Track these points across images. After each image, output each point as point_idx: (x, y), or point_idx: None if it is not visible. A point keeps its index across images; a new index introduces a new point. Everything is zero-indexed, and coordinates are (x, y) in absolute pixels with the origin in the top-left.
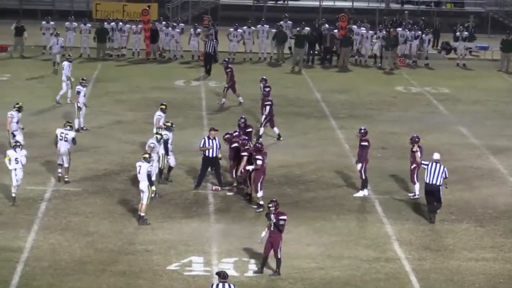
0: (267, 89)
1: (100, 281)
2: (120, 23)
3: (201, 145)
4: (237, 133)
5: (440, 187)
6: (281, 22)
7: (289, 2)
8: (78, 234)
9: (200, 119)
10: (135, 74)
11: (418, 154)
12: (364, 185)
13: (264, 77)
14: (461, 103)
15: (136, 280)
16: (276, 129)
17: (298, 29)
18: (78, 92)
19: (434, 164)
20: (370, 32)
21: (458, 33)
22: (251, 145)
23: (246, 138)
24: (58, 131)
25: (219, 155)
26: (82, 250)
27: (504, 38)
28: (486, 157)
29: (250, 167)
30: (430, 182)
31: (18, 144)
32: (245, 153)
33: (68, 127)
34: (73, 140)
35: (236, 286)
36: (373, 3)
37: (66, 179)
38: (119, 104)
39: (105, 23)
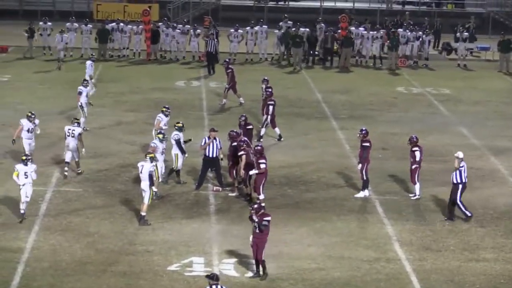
0: (269, 90)
1: (100, 282)
2: (122, 24)
3: (202, 144)
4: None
5: None
6: (281, 23)
7: (290, 3)
8: (79, 235)
9: (201, 120)
10: (136, 74)
11: (418, 154)
12: (365, 186)
13: (265, 78)
14: (462, 103)
15: (137, 280)
16: (277, 130)
17: (294, 29)
18: (80, 93)
19: (464, 163)
20: (371, 32)
21: (458, 34)
22: (251, 145)
23: (244, 140)
24: (66, 128)
25: (220, 156)
26: (83, 251)
27: (500, 39)
28: (487, 157)
29: (253, 172)
30: (465, 181)
31: (28, 158)
32: (242, 152)
33: (76, 124)
34: (79, 135)
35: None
36: (374, 3)
37: (79, 171)
38: (119, 104)
39: (108, 24)
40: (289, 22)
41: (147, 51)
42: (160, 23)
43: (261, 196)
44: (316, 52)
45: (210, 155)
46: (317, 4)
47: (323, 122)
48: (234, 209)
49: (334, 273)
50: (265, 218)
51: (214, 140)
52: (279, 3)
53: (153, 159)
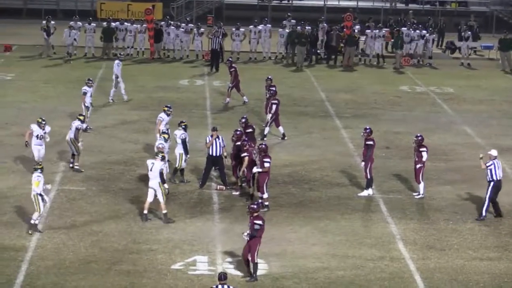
0: (273, 89)
1: (104, 280)
2: (127, 23)
3: (207, 142)
4: (241, 132)
5: None
6: (285, 22)
7: (294, 2)
8: (83, 233)
9: (205, 119)
10: (139, 73)
11: (425, 154)
12: (368, 185)
13: (269, 77)
14: (465, 102)
15: (141, 279)
16: (281, 128)
17: (299, 27)
18: (85, 93)
19: (497, 161)
20: (375, 31)
21: (462, 33)
22: (253, 146)
23: (246, 139)
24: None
25: (224, 154)
26: (87, 249)
27: (502, 37)
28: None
29: (257, 170)
30: (499, 179)
31: (40, 166)
32: (245, 154)
33: (77, 119)
34: (76, 130)
35: None
36: (378, 2)
37: (76, 167)
38: (123, 103)
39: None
40: (292, 21)
41: (151, 50)
42: (162, 22)
43: (265, 195)
44: (318, 51)
45: (214, 154)
46: (321, 3)
47: (327, 121)
48: (238, 208)
49: (338, 272)
50: (256, 221)
51: (217, 139)
52: (283, 1)
53: (164, 157)
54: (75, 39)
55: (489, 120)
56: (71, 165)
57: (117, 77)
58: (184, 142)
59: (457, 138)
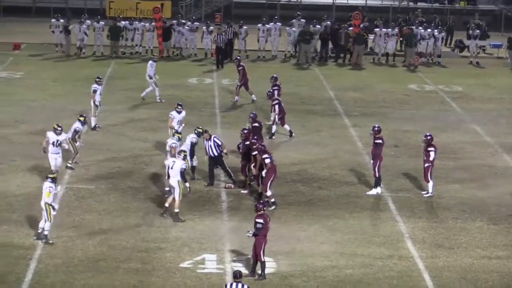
0: (271, 90)
1: (113, 279)
2: (135, 22)
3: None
4: (248, 131)
5: None
6: (294, 20)
7: (303, 0)
8: (91, 232)
9: (213, 117)
10: None
11: (433, 154)
12: (377, 183)
13: (274, 76)
14: (474, 101)
15: (149, 277)
16: (287, 126)
17: (306, 26)
18: (94, 91)
19: None
20: (383, 30)
21: (471, 31)
22: (262, 144)
23: (255, 138)
24: None
25: (224, 150)
26: (95, 248)
27: (511, 35)
28: (500, 155)
29: (264, 171)
30: None
31: (53, 175)
32: (256, 152)
33: (77, 121)
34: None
35: (249, 286)
36: (387, 1)
37: (69, 165)
38: (132, 101)
39: (121, 21)
40: (302, 20)
41: (159, 48)
42: (174, 21)
43: (268, 193)
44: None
45: (212, 154)
46: (330, 1)
47: (336, 119)
48: (246, 206)
49: (347, 271)
50: (258, 220)
51: (209, 141)
52: (292, 0)
53: (186, 156)
54: (85, 33)
55: (498, 118)
56: (69, 163)
57: (150, 77)
58: (192, 145)
59: (465, 137)
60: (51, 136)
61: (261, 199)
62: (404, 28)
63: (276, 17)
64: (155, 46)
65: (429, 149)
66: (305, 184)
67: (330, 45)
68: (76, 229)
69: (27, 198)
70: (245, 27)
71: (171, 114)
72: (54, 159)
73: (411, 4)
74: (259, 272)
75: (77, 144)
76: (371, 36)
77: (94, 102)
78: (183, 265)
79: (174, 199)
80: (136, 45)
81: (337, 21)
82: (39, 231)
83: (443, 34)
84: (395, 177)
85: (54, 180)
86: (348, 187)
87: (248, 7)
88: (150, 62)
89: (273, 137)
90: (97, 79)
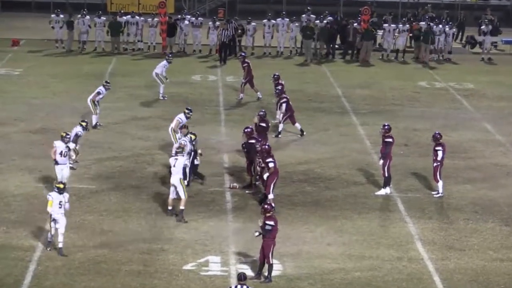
0: (278, 88)
1: (114, 281)
2: (137, 17)
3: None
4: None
5: None
6: (303, 16)
7: None
8: (92, 233)
9: (218, 115)
10: (151, 68)
11: (440, 153)
12: (386, 183)
13: (276, 74)
14: (486, 98)
15: (152, 280)
16: (297, 125)
17: (306, 21)
18: (99, 93)
19: None
20: (393, 25)
21: (483, 27)
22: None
23: (259, 140)
24: None
25: (199, 151)
26: (96, 249)
27: None
28: None
29: (266, 175)
30: None
31: (59, 185)
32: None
33: (79, 125)
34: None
35: None
36: None
37: (70, 164)
38: (134, 99)
39: (123, 16)
40: (312, 15)
41: (163, 44)
42: (179, 16)
43: (271, 196)
44: (337, 46)
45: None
46: None
47: (343, 118)
48: (251, 207)
49: (355, 273)
50: (267, 222)
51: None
52: None
53: (189, 154)
54: (89, 26)
55: (510, 116)
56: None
57: (157, 75)
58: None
59: (477, 135)
60: (59, 145)
61: (265, 199)
62: (414, 23)
63: (284, 13)
64: (158, 42)
65: (436, 148)
66: (311, 184)
67: (338, 41)
68: (77, 230)
69: (26, 198)
70: (253, 24)
71: (180, 118)
72: (60, 169)
73: None
74: (266, 274)
75: (77, 147)
76: (380, 32)
77: (93, 102)
78: (187, 267)
79: (177, 199)
80: (139, 41)
81: (345, 16)
82: (60, 245)
83: (454, 30)
84: (404, 177)
85: (59, 190)
86: (356, 187)
87: (253, 2)
88: (164, 62)
89: (279, 135)
90: (106, 84)
